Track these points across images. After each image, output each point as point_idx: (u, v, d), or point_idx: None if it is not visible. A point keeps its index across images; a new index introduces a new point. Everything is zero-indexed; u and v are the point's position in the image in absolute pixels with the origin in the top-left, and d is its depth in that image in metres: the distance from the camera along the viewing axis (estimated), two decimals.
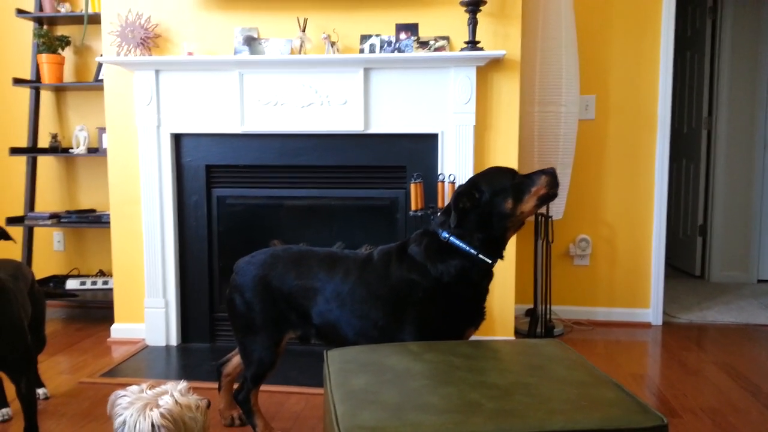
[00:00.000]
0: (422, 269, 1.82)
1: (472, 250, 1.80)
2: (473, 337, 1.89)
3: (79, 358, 2.95)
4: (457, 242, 1.81)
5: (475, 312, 1.87)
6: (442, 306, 1.81)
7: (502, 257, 1.87)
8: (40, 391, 2.44)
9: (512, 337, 3.03)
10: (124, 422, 1.43)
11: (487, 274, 1.86)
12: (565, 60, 3.13)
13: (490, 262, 1.83)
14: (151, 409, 1.44)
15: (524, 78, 3.15)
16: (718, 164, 4.57)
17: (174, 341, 3.16)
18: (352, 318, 1.88)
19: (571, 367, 1.46)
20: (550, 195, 1.83)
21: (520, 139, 3.06)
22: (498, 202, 1.80)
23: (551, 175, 1.83)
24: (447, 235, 1.82)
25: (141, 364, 2.88)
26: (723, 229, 4.58)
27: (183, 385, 1.55)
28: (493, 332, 3.01)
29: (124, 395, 1.49)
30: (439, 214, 1.84)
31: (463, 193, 1.82)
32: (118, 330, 3.24)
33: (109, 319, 3.35)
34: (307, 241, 3.06)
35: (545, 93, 3.14)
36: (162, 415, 1.43)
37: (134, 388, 1.52)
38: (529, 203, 1.81)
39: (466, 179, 2.84)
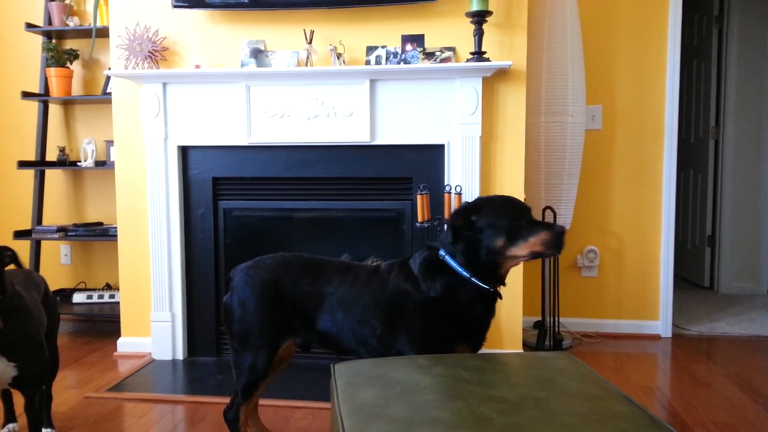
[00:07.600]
0: (415, 281, 1.82)
1: (464, 272, 1.77)
2: (482, 350, 1.87)
3: (86, 373, 2.95)
4: (450, 261, 1.79)
5: (468, 331, 1.82)
6: (431, 319, 1.79)
7: (503, 284, 1.82)
8: None
9: (520, 350, 3.00)
10: None
11: (484, 299, 1.78)
12: (571, 70, 3.13)
13: (485, 287, 1.76)
14: None
15: (530, 88, 3.14)
16: (726, 174, 4.54)
17: (180, 355, 3.15)
18: (354, 324, 1.88)
19: (580, 380, 1.44)
20: (544, 254, 1.73)
21: (526, 149, 3.05)
22: (489, 234, 1.73)
23: (555, 235, 1.69)
24: (443, 253, 1.81)
25: (147, 378, 2.87)
26: (732, 240, 4.55)
27: None
28: (501, 345, 2.98)
29: None
30: (446, 228, 1.82)
31: (460, 212, 1.79)
32: (125, 344, 3.24)
33: (116, 333, 3.34)
34: (314, 252, 3.05)
35: (551, 103, 3.14)
36: None
37: None
38: (520, 251, 1.72)
39: (474, 194, 2.86)
